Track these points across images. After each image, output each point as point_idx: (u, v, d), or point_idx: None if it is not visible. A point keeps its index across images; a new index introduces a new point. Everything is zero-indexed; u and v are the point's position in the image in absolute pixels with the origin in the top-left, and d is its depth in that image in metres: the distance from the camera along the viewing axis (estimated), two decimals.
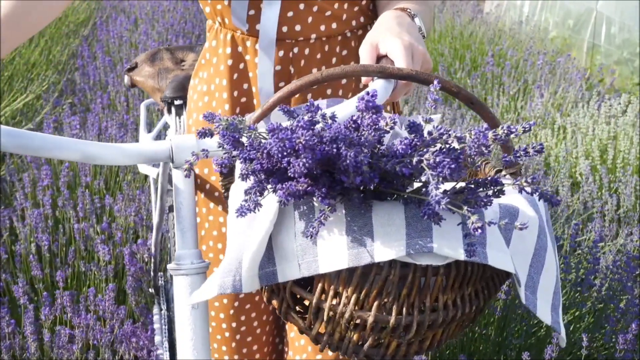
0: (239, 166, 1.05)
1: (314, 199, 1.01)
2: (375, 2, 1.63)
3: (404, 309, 1.04)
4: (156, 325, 2.20)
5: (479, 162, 1.21)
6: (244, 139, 1.01)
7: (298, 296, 1.10)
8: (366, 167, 0.92)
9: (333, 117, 0.91)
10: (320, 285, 1.06)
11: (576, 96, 4.11)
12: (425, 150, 0.94)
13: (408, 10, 1.42)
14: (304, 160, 0.84)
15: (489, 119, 1.22)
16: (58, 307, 2.00)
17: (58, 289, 2.18)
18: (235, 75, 1.63)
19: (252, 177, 0.94)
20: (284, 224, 1.05)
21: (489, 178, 0.99)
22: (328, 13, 1.58)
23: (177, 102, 1.90)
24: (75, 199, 2.67)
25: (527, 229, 1.08)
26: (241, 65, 1.63)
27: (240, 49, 1.62)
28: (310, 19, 1.57)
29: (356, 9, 1.61)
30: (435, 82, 1.01)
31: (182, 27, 5.36)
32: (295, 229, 1.04)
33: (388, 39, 1.31)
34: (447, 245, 0.98)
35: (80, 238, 2.47)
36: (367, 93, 0.93)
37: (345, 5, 1.59)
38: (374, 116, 0.90)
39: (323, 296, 1.06)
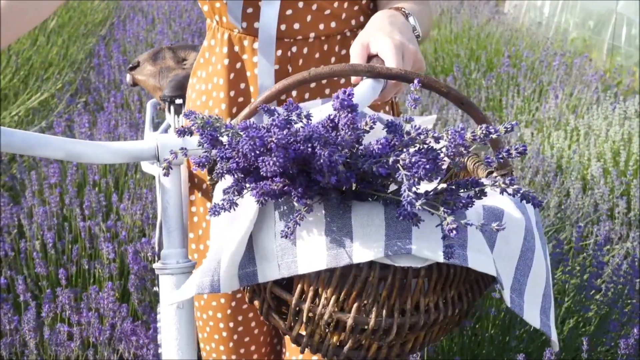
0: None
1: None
2: (375, 2, 1.61)
3: (384, 311, 1.03)
4: (159, 324, 2.20)
5: (462, 163, 1.19)
6: (224, 138, 1.00)
7: (279, 297, 1.09)
8: (342, 167, 0.91)
9: (308, 116, 0.90)
10: (299, 286, 1.05)
11: (591, 98, 4.07)
12: (403, 150, 0.93)
13: (402, 9, 1.41)
14: (275, 159, 0.83)
15: (479, 120, 1.20)
16: (59, 304, 2.00)
17: (62, 286, 2.19)
18: (232, 75, 1.63)
19: (227, 176, 0.93)
20: (265, 224, 1.04)
21: (469, 179, 0.98)
22: (327, 12, 1.57)
23: (177, 101, 1.89)
24: (82, 197, 2.68)
25: (512, 231, 1.07)
26: (238, 65, 1.62)
27: (237, 48, 1.61)
28: (309, 18, 1.56)
29: (356, 8, 1.60)
30: (416, 81, 1.00)
31: (198, 27, 5.37)
32: (276, 229, 1.03)
33: (379, 38, 1.30)
34: (426, 247, 0.97)
35: (86, 236, 2.48)
36: (344, 92, 0.92)
37: (345, 4, 1.58)
38: (350, 115, 0.89)
39: (302, 297, 1.05)
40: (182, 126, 1.01)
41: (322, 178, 0.91)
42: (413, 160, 0.88)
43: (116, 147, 1.18)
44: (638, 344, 1.83)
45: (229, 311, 1.76)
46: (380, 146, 0.90)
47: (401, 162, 0.89)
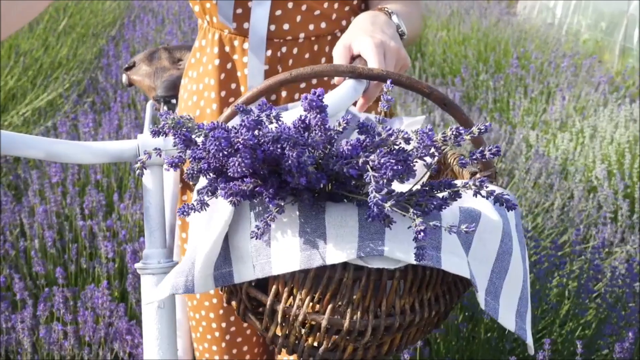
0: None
1: None
2: (367, 2, 1.61)
3: (359, 313, 1.03)
4: None
5: (436, 164, 1.19)
6: (199, 139, 1.00)
7: (254, 298, 1.09)
8: (311, 168, 0.91)
9: (277, 117, 0.90)
10: (274, 287, 1.05)
11: (598, 100, 4.04)
12: (376, 151, 0.93)
13: (385, 8, 1.41)
14: (240, 159, 0.83)
15: (462, 121, 1.20)
16: (55, 303, 2.01)
17: (59, 285, 2.20)
18: (223, 75, 1.63)
19: (197, 177, 0.93)
20: (240, 225, 1.04)
21: (443, 180, 0.97)
22: (317, 12, 1.57)
23: (173, 101, 1.90)
24: (82, 197, 2.69)
25: (490, 233, 1.06)
26: (229, 65, 1.63)
27: (227, 48, 1.61)
28: (299, 18, 1.56)
29: (347, 8, 1.59)
30: (388, 82, 1.00)
31: None
32: (251, 230, 1.02)
33: (360, 38, 1.29)
34: (399, 248, 0.97)
35: (86, 235, 2.49)
36: (314, 92, 0.92)
37: (336, 5, 1.58)
38: (319, 116, 0.89)
39: (277, 298, 1.05)
40: (157, 126, 1.01)
41: (291, 179, 0.90)
42: (382, 161, 0.87)
43: (96, 148, 1.18)
44: (633, 348, 1.81)
45: (221, 311, 1.76)
46: (350, 147, 0.90)
47: (370, 163, 0.89)
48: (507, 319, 1.07)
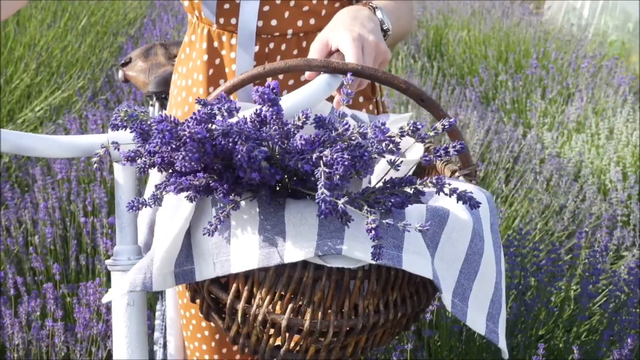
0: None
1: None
2: None
3: (320, 313, 1.00)
4: (157, 322, 2.19)
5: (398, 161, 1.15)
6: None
7: (216, 296, 1.06)
8: (265, 163, 0.88)
9: (231, 111, 0.88)
10: (235, 285, 1.02)
11: (616, 101, 3.97)
12: (331, 146, 0.90)
13: (369, 3, 1.38)
14: (184, 153, 0.81)
15: (440, 117, 1.17)
16: (47, 299, 2.00)
17: (55, 282, 2.19)
18: (212, 71, 1.61)
19: (149, 170, 0.90)
20: (202, 221, 1.01)
21: (404, 178, 0.94)
22: (306, 8, 1.54)
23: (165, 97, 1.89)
24: (86, 194, 2.69)
25: (459, 233, 1.02)
26: (217, 61, 1.61)
27: (216, 44, 1.59)
28: (287, 14, 1.53)
29: (337, 5, 1.57)
30: (349, 75, 0.97)
31: None
32: (204, 227, 1.00)
33: (338, 32, 1.27)
34: (358, 247, 0.94)
35: (88, 233, 2.48)
36: (268, 85, 0.89)
37: (325, 1, 1.55)
38: (272, 109, 0.86)
39: (238, 297, 1.03)
40: (115, 119, 0.99)
41: (243, 174, 0.88)
42: (334, 156, 0.84)
43: (66, 142, 1.16)
44: (632, 354, 1.76)
45: None
46: (303, 142, 0.87)
47: (324, 158, 0.86)
48: (476, 321, 1.04)
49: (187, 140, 0.82)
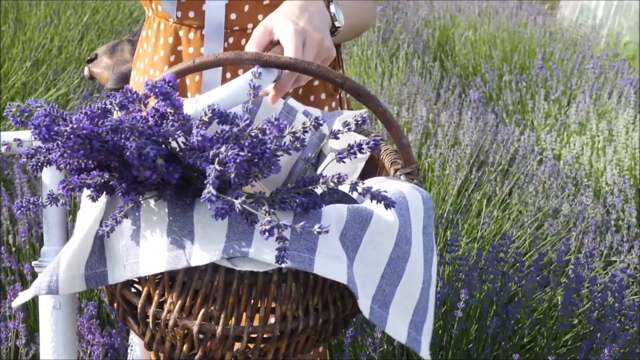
0: None
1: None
2: None
3: (233, 319, 0.95)
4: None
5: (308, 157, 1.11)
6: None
7: (129, 300, 1.02)
8: (160, 160, 0.83)
9: (122, 106, 0.83)
10: (146, 289, 0.98)
11: (620, 103, 3.89)
12: (234, 143, 0.85)
13: None
14: (62, 150, 0.76)
15: (379, 113, 1.12)
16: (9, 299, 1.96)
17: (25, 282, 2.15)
18: (166, 68, 1.57)
19: (40, 168, 0.86)
20: (120, 223, 0.96)
21: (314, 176, 0.89)
22: (266, 2, 1.49)
23: None
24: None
25: (382, 236, 0.97)
26: (172, 58, 1.56)
27: (171, 39, 1.55)
28: (247, 8, 1.48)
29: None
30: (256, 67, 0.92)
31: None
32: (122, 228, 0.95)
33: (281, 23, 1.21)
34: (266, 250, 0.89)
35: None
36: (163, 78, 0.84)
37: None
38: (164, 103, 0.81)
39: (149, 301, 0.98)
40: (15, 115, 0.94)
41: (137, 172, 0.83)
42: (229, 154, 0.79)
43: None
44: None
45: None
46: (200, 138, 0.82)
47: (220, 155, 0.81)
48: (397, 329, 0.98)
49: (71, 136, 0.77)
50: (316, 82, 1.59)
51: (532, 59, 4.66)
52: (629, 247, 2.38)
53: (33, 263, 1.19)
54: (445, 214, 2.55)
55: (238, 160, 0.77)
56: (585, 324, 2.06)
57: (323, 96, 1.62)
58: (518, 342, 2.09)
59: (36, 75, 4.08)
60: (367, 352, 1.83)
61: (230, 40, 1.51)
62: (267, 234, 0.78)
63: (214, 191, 0.75)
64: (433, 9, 5.78)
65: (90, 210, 0.97)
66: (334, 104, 1.65)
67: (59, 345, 1.17)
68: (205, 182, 0.76)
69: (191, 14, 1.50)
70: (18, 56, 4.11)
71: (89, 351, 1.98)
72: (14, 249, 2.34)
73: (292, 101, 1.36)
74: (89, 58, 1.97)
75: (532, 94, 4.26)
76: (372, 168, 1.35)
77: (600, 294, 1.97)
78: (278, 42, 1.22)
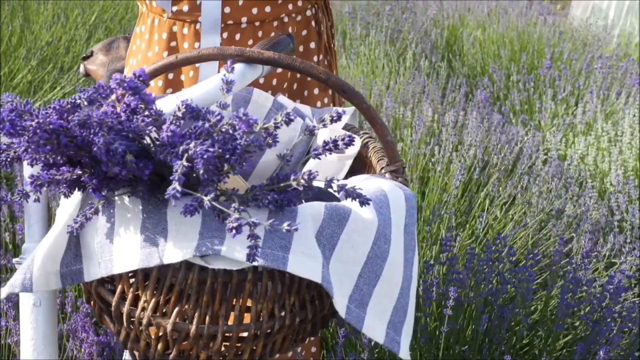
0: None
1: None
2: None
3: (207, 318, 0.94)
4: None
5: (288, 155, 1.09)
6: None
7: (104, 298, 1.00)
8: (130, 156, 0.82)
9: (92, 100, 0.82)
10: (120, 287, 0.96)
11: (628, 102, 3.85)
12: (206, 139, 0.84)
13: None
14: (26, 144, 0.75)
15: (363, 110, 1.10)
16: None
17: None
18: None
19: (10, 164, 0.85)
20: (90, 220, 0.95)
21: (286, 173, 0.87)
22: None
23: None
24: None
25: (360, 235, 0.95)
26: (165, 54, 1.55)
27: (165, 35, 1.54)
28: (241, 2, 1.47)
29: None
30: (229, 62, 0.90)
31: None
32: (97, 225, 0.94)
33: None
34: (238, 248, 0.87)
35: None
36: (134, 73, 0.83)
37: None
38: (132, 98, 0.80)
39: (124, 299, 0.97)
40: None
41: (106, 168, 0.82)
42: (198, 150, 0.78)
43: None
44: None
45: None
46: (170, 133, 0.80)
47: (189, 151, 0.80)
48: (374, 329, 0.96)
49: (37, 131, 0.76)
50: (309, 77, 1.59)
51: (540, 59, 4.63)
52: (629, 249, 2.35)
53: (14, 260, 1.18)
54: (443, 215, 2.53)
55: (206, 156, 0.75)
56: (584, 327, 2.04)
57: (316, 91, 1.61)
58: (515, 344, 2.07)
59: (42, 74, 4.08)
60: (359, 353, 1.82)
61: (225, 35, 1.50)
62: (234, 231, 0.76)
63: (179, 187, 0.74)
64: (442, 9, 5.75)
65: (66, 207, 0.96)
66: (326, 100, 1.64)
67: (39, 343, 1.16)
68: (170, 178, 0.75)
69: (185, 8, 1.49)
70: (24, 54, 4.11)
71: (82, 349, 1.97)
72: (10, 247, 2.34)
73: (281, 98, 1.35)
74: (84, 55, 1.96)
75: (539, 94, 4.23)
76: (361, 166, 1.34)
77: (598, 296, 1.94)
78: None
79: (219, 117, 0.82)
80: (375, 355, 1.88)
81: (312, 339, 1.78)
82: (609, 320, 1.81)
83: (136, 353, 0.99)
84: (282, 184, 0.84)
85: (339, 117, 0.89)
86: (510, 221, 2.77)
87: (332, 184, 0.86)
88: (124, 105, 0.84)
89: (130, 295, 0.95)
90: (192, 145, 0.79)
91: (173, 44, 1.54)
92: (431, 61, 4.69)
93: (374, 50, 4.60)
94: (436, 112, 3.50)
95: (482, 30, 5.19)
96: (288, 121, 0.81)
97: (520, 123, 3.89)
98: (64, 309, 2.12)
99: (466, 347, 2.01)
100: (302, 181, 0.82)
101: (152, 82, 1.55)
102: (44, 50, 4.15)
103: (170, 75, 1.56)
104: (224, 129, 0.81)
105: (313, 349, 1.79)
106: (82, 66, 1.97)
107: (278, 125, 0.81)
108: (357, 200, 0.86)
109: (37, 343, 1.16)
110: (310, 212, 0.92)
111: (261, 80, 1.53)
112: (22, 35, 4.40)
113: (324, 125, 0.88)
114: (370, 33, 4.91)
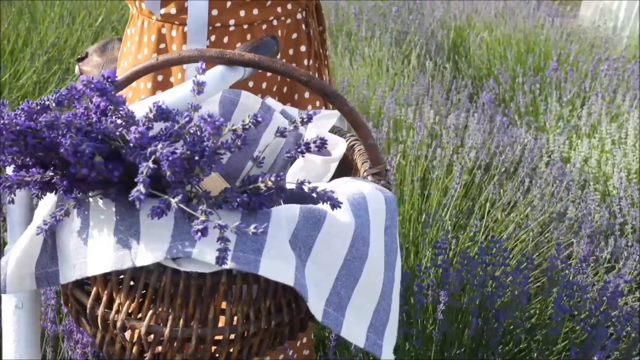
0: None
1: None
2: None
3: (182, 321, 0.93)
4: None
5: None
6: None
7: (79, 300, 1.00)
8: (99, 158, 0.81)
9: (59, 103, 0.81)
10: (94, 289, 0.96)
11: (635, 105, 3.82)
12: (176, 141, 0.83)
13: None
14: None
15: (346, 113, 1.10)
16: None
17: None
18: None
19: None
20: (65, 221, 0.95)
21: (257, 176, 0.87)
22: None
23: None
24: None
25: (337, 237, 0.95)
26: (154, 56, 1.54)
27: (154, 37, 1.54)
28: (229, 4, 1.46)
29: None
30: (200, 63, 0.90)
31: None
32: (73, 227, 0.94)
33: None
34: (209, 251, 0.87)
35: None
36: (102, 74, 0.83)
37: None
38: (101, 99, 0.79)
39: (98, 301, 0.96)
40: None
41: (75, 170, 0.81)
42: (164, 151, 0.77)
43: None
44: None
45: None
46: (137, 135, 0.80)
47: (157, 153, 0.79)
48: (354, 332, 0.96)
49: (3, 132, 0.76)
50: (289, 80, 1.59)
51: (547, 61, 4.61)
52: (628, 254, 2.33)
53: None
54: (438, 218, 2.52)
55: (171, 158, 0.75)
56: (581, 332, 2.02)
57: (307, 95, 1.61)
58: (512, 348, 2.06)
59: (47, 75, 4.10)
60: (352, 356, 1.81)
61: (212, 38, 1.49)
62: (199, 234, 0.76)
63: (143, 189, 0.74)
64: (449, 10, 5.73)
65: (42, 209, 0.96)
66: (317, 103, 1.63)
67: (21, 345, 1.15)
68: (135, 180, 0.75)
69: (173, 11, 1.48)
70: (30, 55, 4.13)
71: (77, 350, 1.97)
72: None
73: (269, 100, 1.34)
74: (79, 56, 1.97)
75: (545, 96, 4.21)
76: (348, 169, 1.33)
77: (595, 301, 1.93)
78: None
79: (187, 119, 0.81)
80: (371, 357, 1.87)
81: (304, 341, 1.77)
82: (605, 325, 1.79)
83: (112, 356, 0.98)
84: (251, 186, 0.83)
85: (310, 119, 0.88)
86: (511, 224, 2.76)
87: (304, 187, 0.85)
88: (94, 107, 0.84)
89: (105, 298, 0.95)
90: (159, 147, 0.78)
91: (162, 46, 1.54)
92: (436, 63, 4.67)
93: (378, 52, 4.59)
94: (439, 113, 3.49)
95: (489, 31, 5.18)
96: (256, 123, 0.80)
97: (525, 125, 3.87)
98: (60, 310, 2.12)
99: (462, 349, 2.00)
100: (270, 183, 0.81)
101: (141, 84, 1.55)
102: (49, 51, 4.17)
103: (160, 77, 1.55)
104: (192, 131, 0.80)
105: (306, 352, 1.79)
106: (77, 67, 1.98)
107: (246, 127, 0.81)
108: (329, 202, 0.86)
109: (19, 345, 1.15)
110: (285, 215, 0.91)
111: (250, 84, 1.53)
112: (28, 36, 4.41)
113: (295, 127, 0.87)
114: (375, 34, 4.90)
